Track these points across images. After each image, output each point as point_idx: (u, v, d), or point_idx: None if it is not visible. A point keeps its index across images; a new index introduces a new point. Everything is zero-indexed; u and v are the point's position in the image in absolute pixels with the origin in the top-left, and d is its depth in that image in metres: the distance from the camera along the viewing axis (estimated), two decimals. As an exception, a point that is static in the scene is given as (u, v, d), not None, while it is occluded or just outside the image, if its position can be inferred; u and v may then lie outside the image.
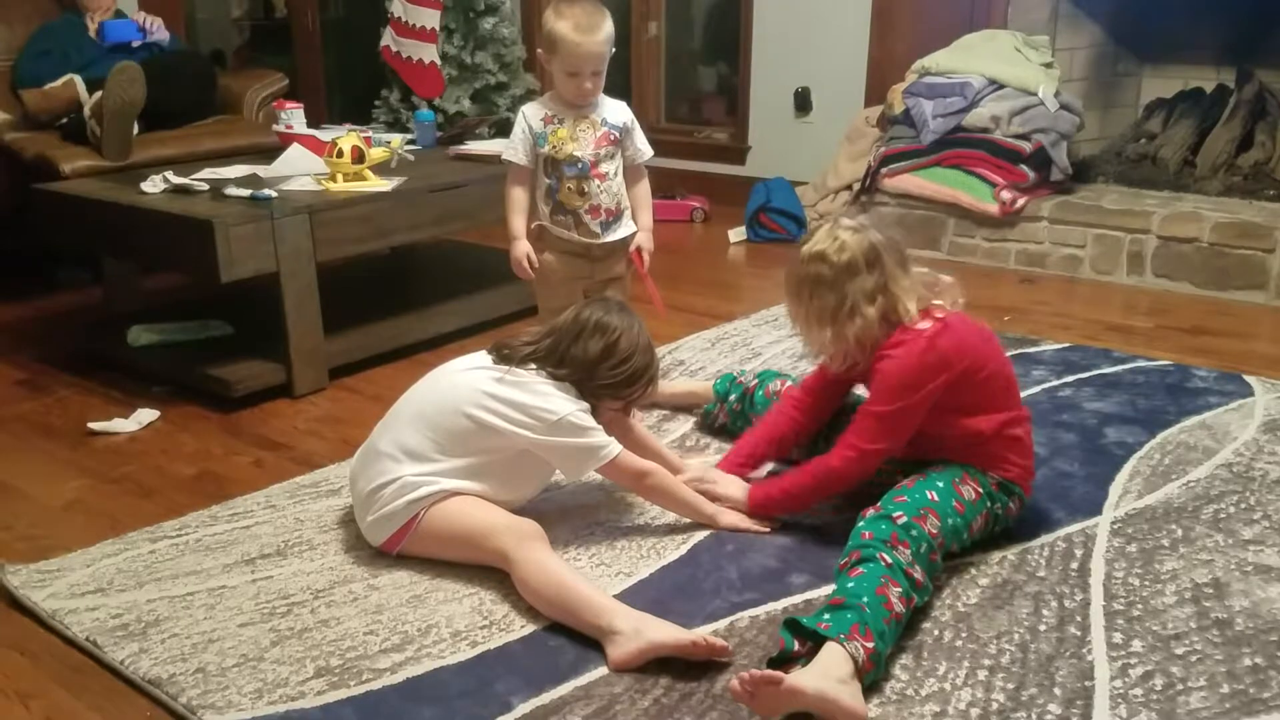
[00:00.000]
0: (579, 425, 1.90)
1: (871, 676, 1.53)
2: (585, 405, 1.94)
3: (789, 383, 2.33)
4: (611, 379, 1.98)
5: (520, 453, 1.91)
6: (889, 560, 1.65)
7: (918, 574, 1.68)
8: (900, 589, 1.63)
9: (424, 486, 1.87)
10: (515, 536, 1.80)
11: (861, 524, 1.75)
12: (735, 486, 2.05)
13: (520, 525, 1.83)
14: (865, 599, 1.58)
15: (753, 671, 1.45)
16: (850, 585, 1.62)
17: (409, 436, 1.91)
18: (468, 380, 1.95)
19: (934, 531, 1.75)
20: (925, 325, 1.85)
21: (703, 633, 1.66)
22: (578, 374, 1.97)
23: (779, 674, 1.45)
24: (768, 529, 2.00)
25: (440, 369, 2.05)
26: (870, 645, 1.53)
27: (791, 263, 1.94)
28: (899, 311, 1.86)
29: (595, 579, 1.84)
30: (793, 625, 1.57)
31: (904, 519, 1.73)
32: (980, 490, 1.87)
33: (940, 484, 1.84)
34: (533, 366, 1.96)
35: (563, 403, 1.91)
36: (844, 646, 1.51)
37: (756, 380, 2.40)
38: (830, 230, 1.89)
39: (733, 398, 2.42)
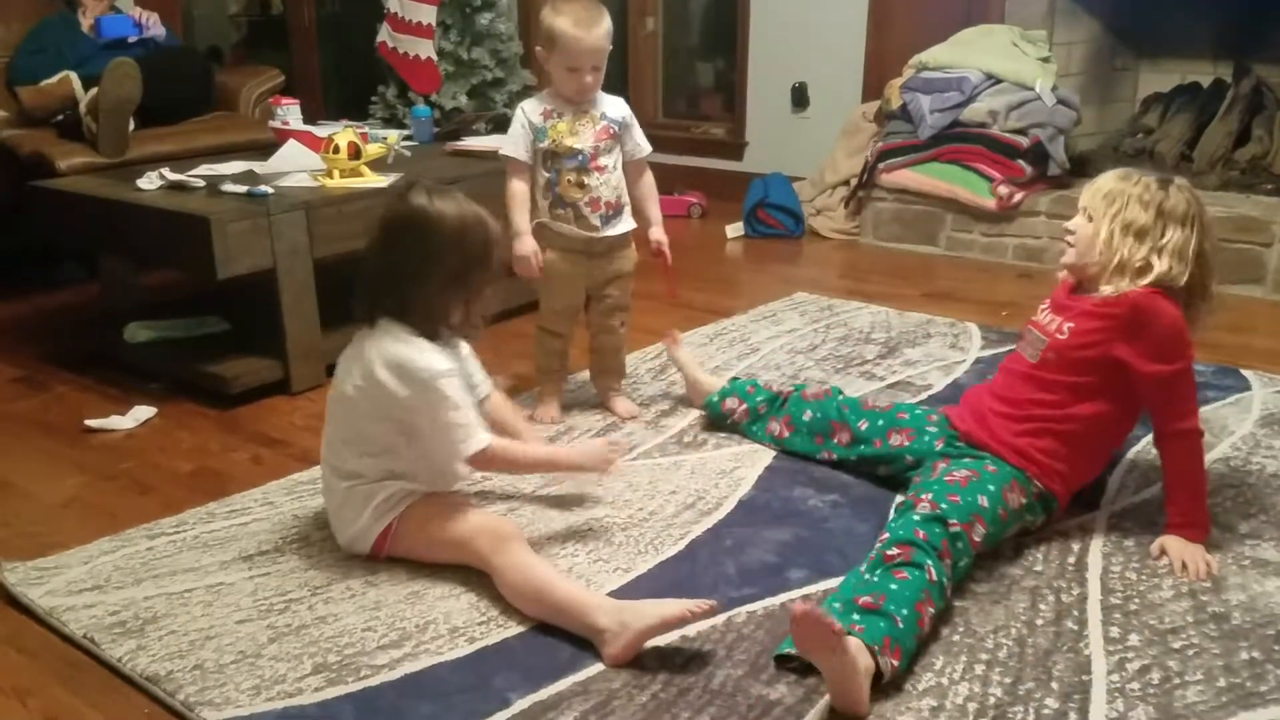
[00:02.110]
0: (439, 392, 1.78)
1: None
2: (430, 348, 1.81)
3: (828, 385, 2.28)
4: (450, 273, 1.80)
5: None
6: (934, 576, 1.65)
7: (949, 589, 1.69)
8: (934, 609, 1.63)
9: (378, 495, 1.85)
10: (490, 540, 1.77)
11: (916, 519, 1.73)
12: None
13: (494, 527, 1.80)
14: (904, 611, 1.57)
15: (820, 613, 1.43)
16: (893, 588, 1.61)
17: (330, 450, 1.91)
18: (343, 369, 1.90)
19: (976, 541, 1.76)
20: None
21: (699, 627, 1.67)
22: (408, 296, 1.79)
23: (839, 625, 1.45)
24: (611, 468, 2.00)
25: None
26: (896, 664, 1.53)
27: (1117, 176, 1.93)
28: (1166, 273, 1.86)
29: (593, 575, 1.85)
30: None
31: (956, 527, 1.73)
32: (1024, 500, 1.88)
33: (992, 488, 1.83)
34: (380, 322, 1.83)
35: (418, 366, 1.78)
36: (875, 658, 1.51)
37: (791, 388, 2.35)
38: (1166, 176, 1.92)
39: (759, 399, 2.35)
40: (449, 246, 1.79)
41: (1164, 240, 1.86)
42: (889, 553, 1.68)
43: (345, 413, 1.88)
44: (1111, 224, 1.88)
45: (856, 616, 1.56)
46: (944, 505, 1.76)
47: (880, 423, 2.14)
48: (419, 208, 1.79)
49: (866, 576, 1.66)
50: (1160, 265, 1.85)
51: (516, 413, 2.24)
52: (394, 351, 1.80)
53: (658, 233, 2.48)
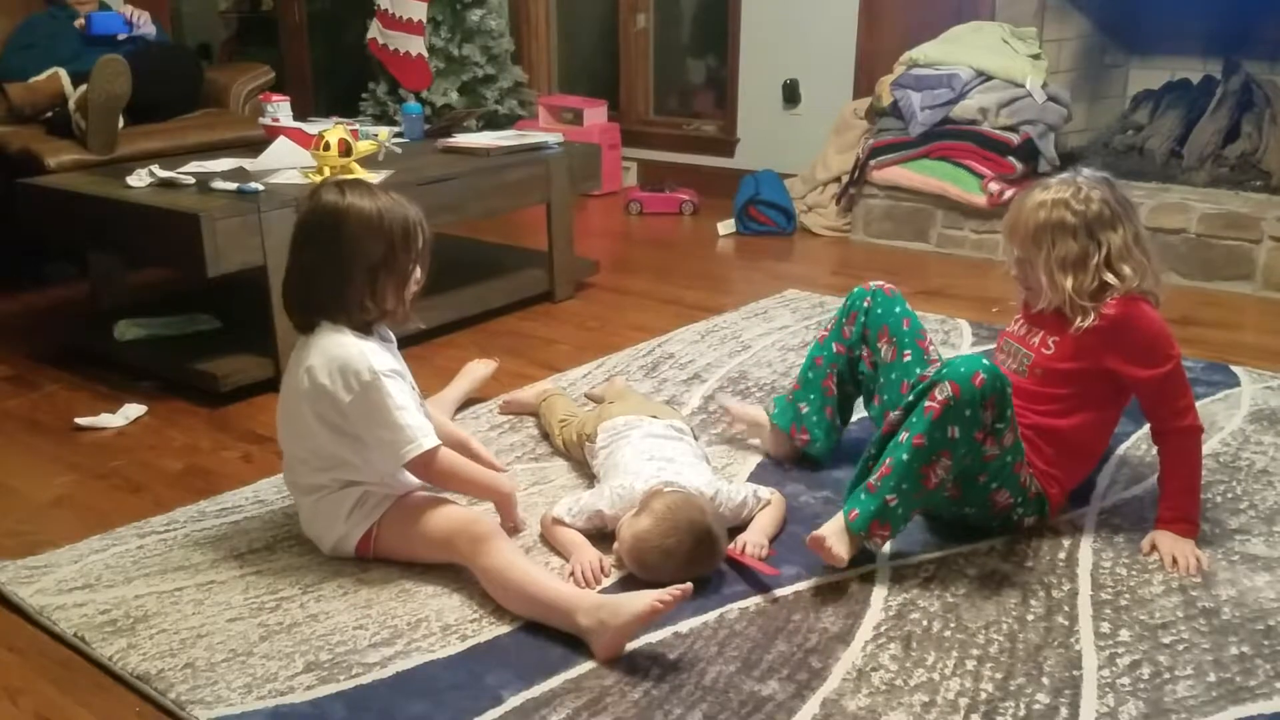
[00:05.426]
0: (381, 391, 1.75)
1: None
2: (371, 347, 1.78)
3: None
4: (375, 261, 1.77)
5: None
6: (957, 432, 1.71)
7: (992, 444, 1.76)
8: (947, 464, 1.72)
9: (347, 501, 1.85)
10: (471, 540, 1.75)
11: (964, 371, 1.72)
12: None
13: (473, 526, 1.77)
14: (905, 485, 1.71)
15: (827, 545, 1.74)
16: (904, 458, 1.72)
17: (288, 469, 1.92)
18: (288, 380, 1.88)
19: (1006, 443, 1.78)
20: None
21: (692, 624, 1.68)
22: (340, 292, 1.77)
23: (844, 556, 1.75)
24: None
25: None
26: (885, 533, 1.76)
27: (1024, 207, 1.89)
28: (1130, 280, 1.84)
29: (585, 572, 1.84)
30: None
31: (1000, 398, 1.73)
32: (1024, 482, 1.88)
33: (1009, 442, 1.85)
34: (319, 326, 1.81)
35: (359, 366, 1.75)
36: (860, 539, 1.74)
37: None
38: (1071, 180, 1.88)
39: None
40: (369, 234, 1.77)
41: (1104, 252, 1.83)
42: (934, 396, 1.72)
43: (294, 426, 1.87)
44: (1048, 264, 1.86)
45: (859, 498, 1.76)
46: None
47: (918, 370, 2.03)
48: (331, 203, 1.78)
49: (899, 423, 1.76)
50: (1119, 279, 1.83)
51: (430, 406, 2.14)
52: (334, 354, 1.78)
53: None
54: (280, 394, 1.92)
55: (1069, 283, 1.84)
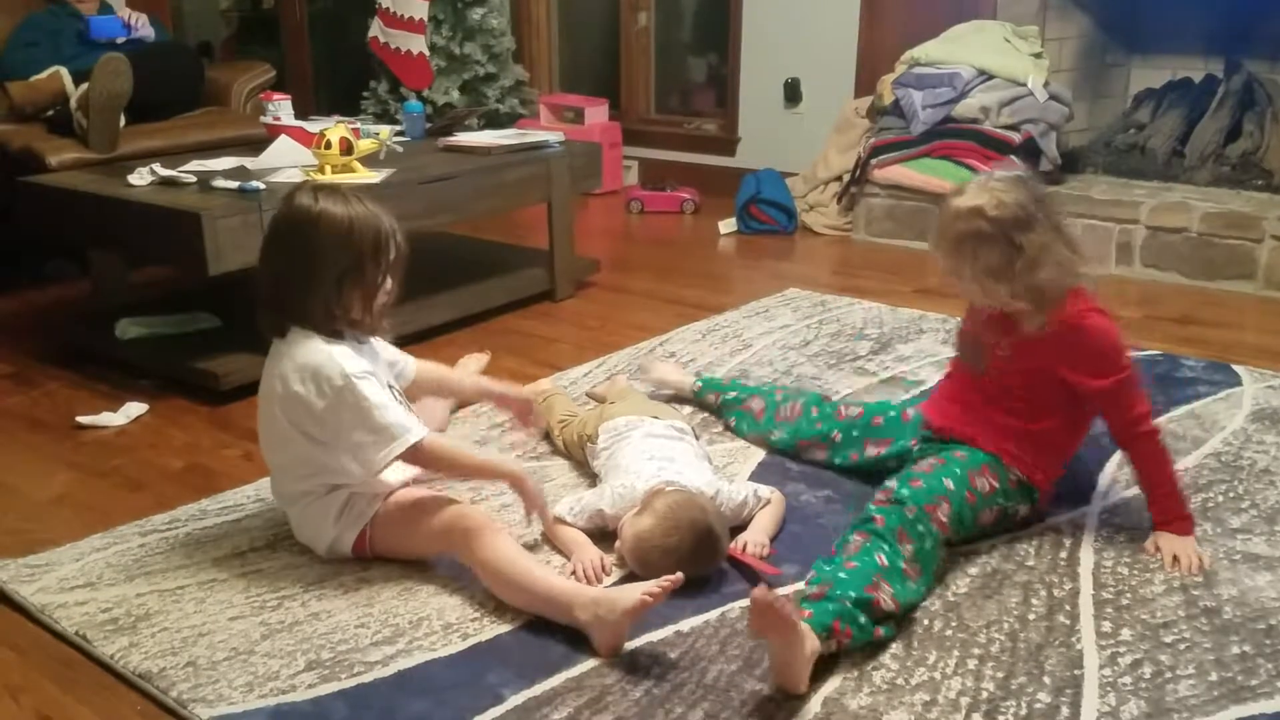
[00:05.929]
0: (356, 394, 1.73)
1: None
2: (342, 351, 1.76)
3: (799, 401, 2.26)
4: (343, 270, 1.75)
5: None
6: (885, 561, 1.65)
7: (909, 569, 1.68)
8: (891, 590, 1.63)
9: (334, 505, 1.84)
10: (462, 535, 1.75)
11: (873, 507, 1.75)
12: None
13: (461, 520, 1.77)
14: (852, 594, 1.59)
15: (784, 600, 1.47)
16: (842, 576, 1.62)
17: (272, 479, 1.92)
18: (264, 386, 1.86)
19: (943, 520, 1.76)
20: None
21: (692, 622, 1.68)
22: (307, 297, 1.75)
23: (798, 615, 1.50)
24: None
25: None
26: (848, 640, 1.57)
27: (942, 219, 1.87)
28: (1055, 281, 1.80)
29: (586, 570, 1.84)
30: None
31: (914, 511, 1.73)
32: (996, 484, 1.88)
33: (958, 471, 1.84)
34: (290, 331, 1.79)
35: (330, 371, 1.73)
36: (821, 643, 1.53)
37: (764, 401, 2.31)
38: (984, 185, 1.84)
39: (730, 393, 2.41)
40: (338, 243, 1.75)
41: (1026, 253, 1.78)
42: (846, 541, 1.71)
43: (273, 435, 1.86)
44: (975, 274, 1.83)
45: (804, 603, 1.59)
46: (905, 490, 1.77)
47: (855, 434, 2.13)
48: (304, 208, 1.76)
49: (822, 567, 1.68)
50: (1041, 283, 1.79)
51: (442, 368, 2.21)
52: (306, 360, 1.77)
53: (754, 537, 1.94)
54: (259, 401, 1.90)
55: (1002, 289, 1.83)
